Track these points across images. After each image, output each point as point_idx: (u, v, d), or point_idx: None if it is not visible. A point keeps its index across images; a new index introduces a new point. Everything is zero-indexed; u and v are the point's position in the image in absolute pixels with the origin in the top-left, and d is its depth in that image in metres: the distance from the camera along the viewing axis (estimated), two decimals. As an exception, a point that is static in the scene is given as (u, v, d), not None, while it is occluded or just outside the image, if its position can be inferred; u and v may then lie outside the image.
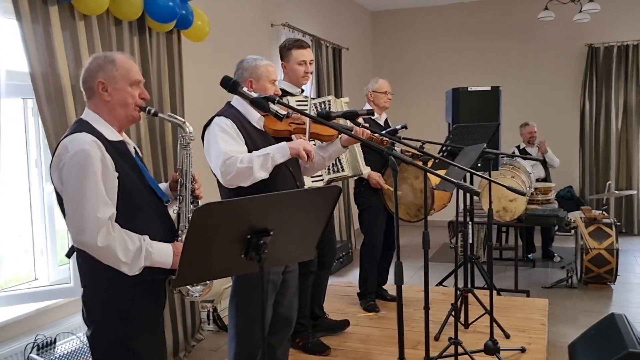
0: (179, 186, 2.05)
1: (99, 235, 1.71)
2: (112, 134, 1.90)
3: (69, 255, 2.05)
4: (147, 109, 1.96)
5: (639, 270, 5.89)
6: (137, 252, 1.78)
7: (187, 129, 2.05)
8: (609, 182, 6.46)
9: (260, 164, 2.29)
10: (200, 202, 2.08)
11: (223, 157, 2.32)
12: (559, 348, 3.73)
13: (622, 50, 7.62)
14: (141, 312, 1.90)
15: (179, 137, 2.06)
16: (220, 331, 4.28)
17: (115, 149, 1.86)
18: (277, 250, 1.53)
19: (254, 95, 2.02)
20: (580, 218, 5.37)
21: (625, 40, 7.58)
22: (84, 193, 1.73)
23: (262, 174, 2.31)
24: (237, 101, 2.49)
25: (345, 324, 3.78)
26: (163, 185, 2.16)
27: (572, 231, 5.73)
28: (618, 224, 5.45)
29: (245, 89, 2.04)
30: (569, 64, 7.96)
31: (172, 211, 2.08)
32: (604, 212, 5.50)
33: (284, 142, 2.38)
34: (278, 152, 2.34)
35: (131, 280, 1.81)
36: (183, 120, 2.08)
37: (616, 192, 6.39)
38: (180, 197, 2.03)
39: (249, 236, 1.45)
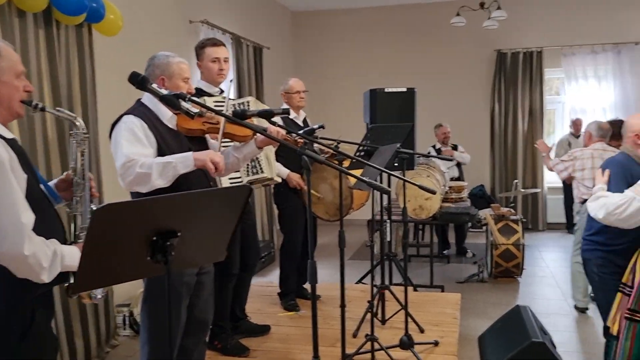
0: (74, 186, 1.94)
1: (25, 243, 1.56)
2: (4, 131, 1.74)
3: None
4: (34, 103, 1.82)
5: (543, 264, 6.27)
6: (54, 257, 1.66)
7: (79, 124, 1.94)
8: (515, 180, 6.82)
9: (159, 172, 2.20)
10: (96, 201, 1.98)
11: (124, 159, 2.22)
12: (470, 340, 3.90)
13: (527, 57, 8.09)
14: (42, 326, 1.76)
15: (72, 134, 1.94)
16: (137, 336, 4.14)
17: (14, 148, 1.71)
18: (186, 252, 1.49)
19: (164, 92, 1.96)
20: (490, 215, 5.64)
21: (530, 47, 8.05)
22: (0, 198, 1.57)
23: (161, 182, 2.22)
24: (147, 99, 2.41)
25: (266, 328, 3.74)
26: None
27: (484, 228, 6.01)
28: (524, 220, 5.78)
29: (155, 85, 1.97)
30: (480, 68, 8.35)
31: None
32: (511, 209, 5.81)
33: (190, 152, 2.29)
34: (181, 162, 2.25)
35: (32, 291, 1.67)
36: (74, 115, 1.97)
37: (522, 190, 6.74)
38: (77, 198, 1.92)
39: (154, 238, 1.40)
